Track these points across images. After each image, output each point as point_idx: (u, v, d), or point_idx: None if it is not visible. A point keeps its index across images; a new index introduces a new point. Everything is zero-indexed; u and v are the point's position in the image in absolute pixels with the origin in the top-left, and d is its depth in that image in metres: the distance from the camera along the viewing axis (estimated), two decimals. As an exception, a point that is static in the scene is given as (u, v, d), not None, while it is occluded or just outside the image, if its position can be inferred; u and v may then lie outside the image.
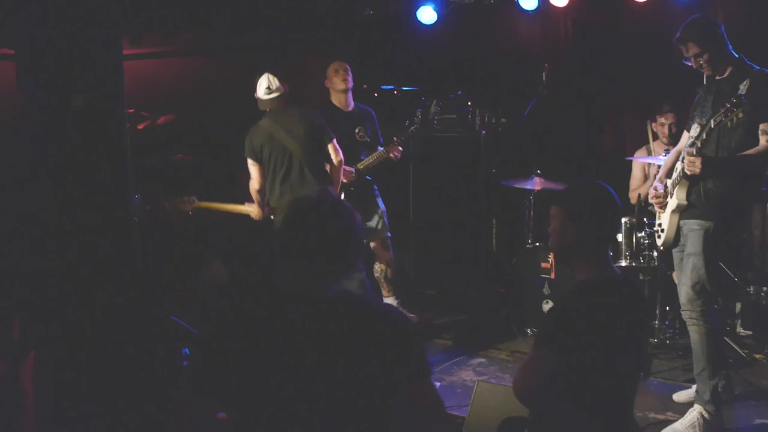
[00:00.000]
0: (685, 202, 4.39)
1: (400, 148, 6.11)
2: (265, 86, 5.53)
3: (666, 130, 6.10)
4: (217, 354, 2.39)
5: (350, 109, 6.27)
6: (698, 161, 4.18)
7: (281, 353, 2.31)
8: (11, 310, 3.80)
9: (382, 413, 2.32)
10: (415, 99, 6.75)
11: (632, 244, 5.69)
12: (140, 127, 6.25)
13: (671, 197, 4.50)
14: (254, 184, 5.67)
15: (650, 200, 4.72)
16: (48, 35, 3.54)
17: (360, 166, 6.12)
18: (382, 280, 6.30)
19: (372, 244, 6.31)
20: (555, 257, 3.13)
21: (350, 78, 6.17)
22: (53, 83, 3.54)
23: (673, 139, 6.06)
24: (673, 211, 4.47)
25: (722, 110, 4.14)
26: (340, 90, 6.19)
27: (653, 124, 6.19)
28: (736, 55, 4.37)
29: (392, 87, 6.92)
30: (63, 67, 3.53)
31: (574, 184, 3.30)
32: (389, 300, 6.30)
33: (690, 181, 4.35)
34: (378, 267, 6.34)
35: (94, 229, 3.55)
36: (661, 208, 4.63)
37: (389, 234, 6.26)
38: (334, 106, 6.25)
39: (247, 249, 6.11)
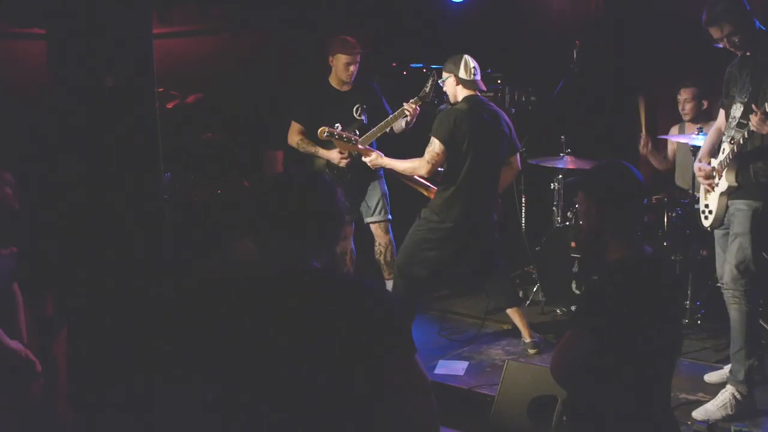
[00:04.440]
0: (736, 184, 4.35)
1: (417, 108, 5.76)
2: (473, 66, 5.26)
3: (682, 106, 6.04)
4: (200, 335, 2.37)
5: (349, 86, 6.09)
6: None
7: (263, 331, 2.28)
8: (45, 286, 3.84)
9: (368, 390, 2.28)
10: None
11: (664, 224, 5.63)
12: (169, 105, 6.30)
13: (720, 179, 4.45)
14: None
15: (700, 180, 4.63)
16: (78, 14, 3.55)
17: (362, 140, 5.87)
18: (382, 263, 6.24)
19: (372, 226, 6.23)
20: (584, 242, 3.12)
21: (356, 69, 6.03)
22: (83, 63, 3.55)
23: (692, 116, 5.99)
24: (722, 193, 4.43)
25: None
26: (342, 81, 6.06)
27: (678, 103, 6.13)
28: (765, 29, 4.29)
29: (421, 65, 6.87)
30: (93, 47, 3.54)
31: (594, 167, 3.32)
32: (389, 283, 6.24)
33: (739, 162, 4.30)
34: (378, 249, 6.28)
35: (124, 208, 3.57)
36: (709, 189, 4.57)
37: (390, 217, 6.20)
38: (330, 85, 6.08)
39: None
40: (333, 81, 6.08)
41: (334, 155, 5.88)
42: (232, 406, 2.33)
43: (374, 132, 5.84)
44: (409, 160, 5.22)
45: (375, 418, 2.29)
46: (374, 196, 6.16)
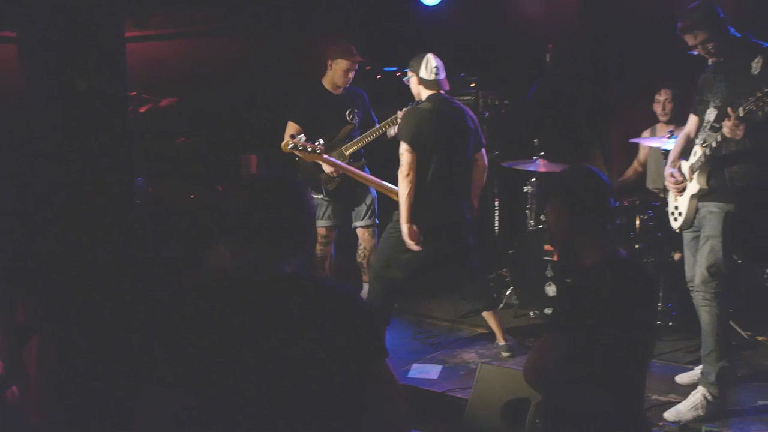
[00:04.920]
0: (707, 187, 4.39)
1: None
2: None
3: (660, 107, 6.11)
4: (175, 342, 2.34)
5: (343, 90, 6.14)
6: (742, 125, 4.09)
7: (236, 337, 2.26)
8: (18, 292, 3.80)
9: (342, 396, 2.29)
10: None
11: (635, 226, 5.68)
12: (143, 109, 6.25)
13: (690, 182, 4.49)
14: None
15: (668, 186, 4.68)
16: (50, 17, 3.53)
17: (347, 150, 6.02)
18: (365, 266, 6.26)
19: (359, 230, 6.27)
20: (558, 248, 3.16)
21: (353, 76, 6.09)
22: (55, 66, 3.53)
23: (671, 117, 6.05)
24: (692, 196, 4.47)
25: (752, 99, 4.07)
26: (339, 86, 6.10)
27: (654, 104, 6.19)
28: (739, 35, 4.34)
29: (395, 69, 6.87)
30: (65, 50, 3.52)
31: (559, 173, 3.37)
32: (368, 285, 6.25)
33: (711, 166, 4.33)
34: (362, 252, 6.30)
35: (97, 212, 3.55)
36: (679, 192, 4.61)
37: (377, 221, 6.22)
38: (324, 88, 6.13)
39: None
40: (327, 84, 6.12)
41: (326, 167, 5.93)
42: (207, 414, 2.31)
43: (359, 141, 5.99)
44: (399, 186, 5.16)
45: (348, 422, 2.30)
46: (364, 200, 6.20)
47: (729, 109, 4.16)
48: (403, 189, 5.08)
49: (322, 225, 6.13)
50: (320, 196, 6.03)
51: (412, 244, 5.09)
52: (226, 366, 2.27)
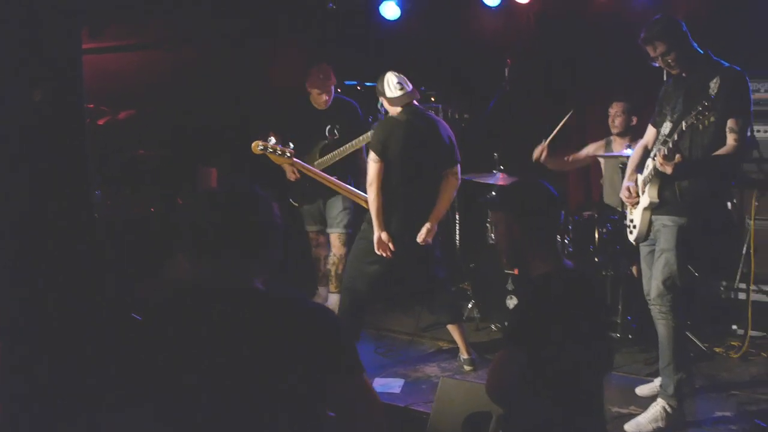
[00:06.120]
0: (657, 200, 4.42)
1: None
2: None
3: (612, 119, 6.14)
4: (140, 354, 2.30)
5: (325, 107, 6.23)
6: (671, 163, 4.17)
7: (203, 352, 2.22)
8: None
9: (313, 414, 2.26)
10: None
11: (594, 240, 5.73)
12: (101, 122, 6.18)
13: (642, 194, 4.53)
14: None
15: (623, 199, 4.72)
16: (4, 26, 3.46)
17: (320, 165, 6.08)
18: (332, 273, 6.28)
19: (331, 236, 6.31)
20: (508, 260, 3.19)
21: (329, 96, 6.19)
22: (9, 76, 3.46)
23: (621, 130, 6.09)
24: (645, 209, 4.50)
25: (693, 113, 4.14)
26: (319, 104, 6.24)
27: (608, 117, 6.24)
28: (701, 52, 4.40)
29: (355, 83, 6.88)
30: (19, 59, 3.46)
31: (509, 184, 3.40)
32: (334, 296, 6.25)
33: (662, 179, 4.37)
34: (331, 259, 6.33)
35: (55, 225, 3.49)
36: (633, 205, 4.65)
37: (350, 231, 6.23)
38: (309, 102, 6.24)
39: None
40: (312, 101, 6.25)
41: (287, 170, 6.10)
42: (170, 427, 2.27)
43: (333, 156, 6.10)
44: (368, 195, 5.20)
45: None
46: (336, 207, 6.24)
47: (662, 146, 4.28)
48: (370, 198, 5.14)
49: (310, 230, 6.46)
50: (296, 205, 6.33)
51: (381, 253, 5.11)
52: (187, 378, 2.23)
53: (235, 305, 2.28)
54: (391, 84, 5.15)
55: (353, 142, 6.04)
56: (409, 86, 5.20)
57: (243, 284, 2.31)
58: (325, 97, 6.17)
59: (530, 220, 3.00)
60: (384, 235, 5.09)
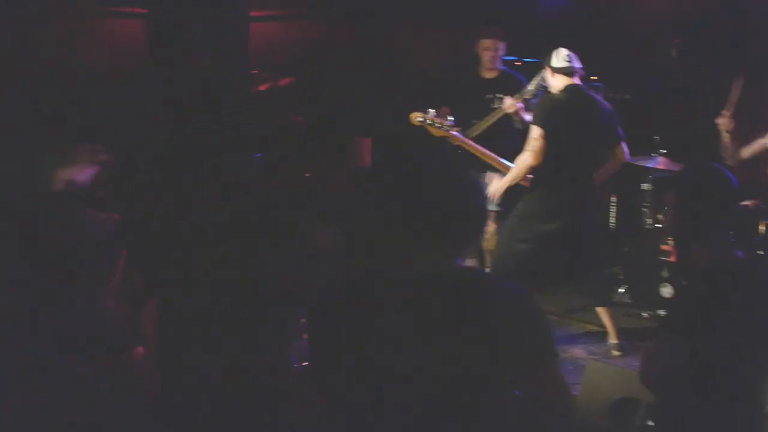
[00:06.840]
0: None
1: (520, 104, 5.88)
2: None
3: None
4: (333, 338, 2.26)
5: (492, 75, 6.17)
6: None
7: (401, 333, 2.15)
8: (131, 260, 3.90)
9: (505, 397, 2.21)
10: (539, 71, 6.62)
11: (757, 231, 5.44)
12: (262, 88, 6.36)
13: None
14: None
15: None
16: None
17: (473, 132, 5.97)
18: (485, 249, 6.25)
19: None
20: (674, 242, 3.11)
21: (495, 57, 6.10)
22: (181, 44, 3.59)
23: None
24: None
25: None
26: (487, 68, 6.16)
27: None
28: None
29: (514, 58, 6.80)
30: (191, 29, 3.58)
31: (687, 167, 3.29)
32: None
33: None
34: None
35: (206, 185, 3.58)
36: None
37: (503, 209, 6.16)
38: (476, 71, 6.20)
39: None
40: (480, 68, 6.19)
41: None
42: (355, 407, 2.24)
43: (479, 125, 5.93)
44: (517, 163, 5.18)
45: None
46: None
47: None
48: (522, 165, 5.12)
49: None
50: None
51: (492, 194, 5.20)
52: (390, 365, 2.17)
53: (446, 285, 2.19)
54: (561, 55, 5.16)
55: (491, 114, 5.93)
56: (577, 64, 5.18)
57: (444, 266, 2.23)
58: (491, 55, 6.07)
59: (704, 204, 2.91)
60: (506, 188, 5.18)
